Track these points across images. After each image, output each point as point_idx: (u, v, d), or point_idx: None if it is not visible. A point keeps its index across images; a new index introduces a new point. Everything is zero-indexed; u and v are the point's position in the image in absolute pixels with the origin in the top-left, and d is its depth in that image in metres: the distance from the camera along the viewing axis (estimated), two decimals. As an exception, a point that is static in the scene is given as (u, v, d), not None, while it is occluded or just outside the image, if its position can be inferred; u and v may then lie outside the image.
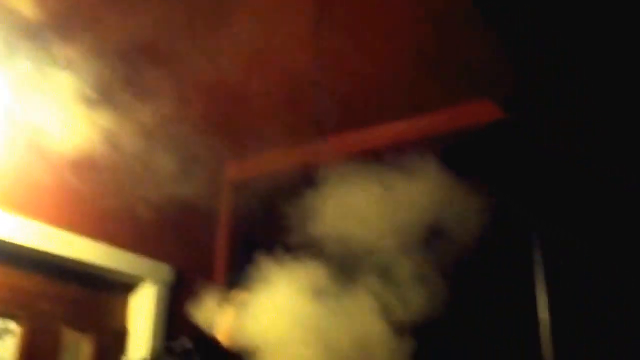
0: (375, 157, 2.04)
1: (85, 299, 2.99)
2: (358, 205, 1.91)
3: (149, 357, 2.22)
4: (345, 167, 1.94)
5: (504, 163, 2.92)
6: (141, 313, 3.11)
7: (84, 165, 2.83)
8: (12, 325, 2.70)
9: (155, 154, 2.69)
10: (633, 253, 2.74)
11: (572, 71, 2.62)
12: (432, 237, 2.04)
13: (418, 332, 1.84)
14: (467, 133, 2.98)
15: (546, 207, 2.84)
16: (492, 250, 2.88)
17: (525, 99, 2.83)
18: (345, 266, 1.84)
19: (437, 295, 1.95)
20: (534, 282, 2.81)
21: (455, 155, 2.66)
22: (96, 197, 2.93)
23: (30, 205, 2.71)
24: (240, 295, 2.01)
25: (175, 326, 3.11)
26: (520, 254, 2.85)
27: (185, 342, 2.10)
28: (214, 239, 3.48)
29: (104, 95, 2.50)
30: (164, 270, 3.19)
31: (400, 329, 1.78)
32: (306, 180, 1.99)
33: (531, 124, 2.85)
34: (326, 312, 1.74)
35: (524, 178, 2.88)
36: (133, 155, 2.77)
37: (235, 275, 2.18)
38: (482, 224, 2.21)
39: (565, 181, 2.85)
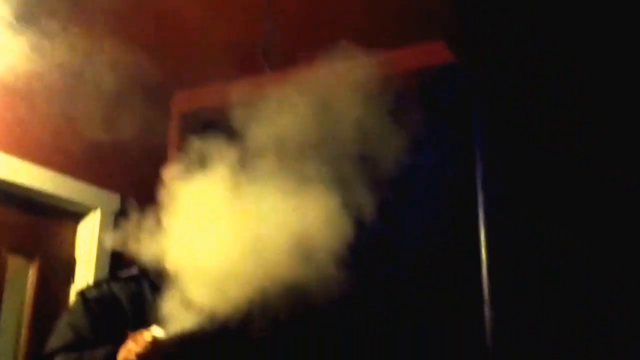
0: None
1: (31, 226, 2.97)
2: (300, 127, 1.93)
3: (95, 283, 2.22)
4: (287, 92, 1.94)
5: (453, 103, 2.96)
6: (89, 241, 3.11)
7: (28, 91, 2.77)
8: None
9: (101, 82, 2.65)
10: (575, 195, 2.82)
11: (524, 14, 2.64)
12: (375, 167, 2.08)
13: (355, 253, 1.89)
14: (418, 74, 3.00)
15: (491, 149, 2.90)
16: (435, 187, 2.94)
17: (477, 42, 2.84)
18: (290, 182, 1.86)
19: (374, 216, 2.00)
20: (477, 219, 2.88)
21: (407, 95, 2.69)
22: (42, 123, 2.88)
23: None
24: (186, 221, 2.02)
25: (123, 255, 3.13)
26: (464, 194, 2.92)
27: (132, 269, 2.12)
28: (163, 168, 3.46)
29: (42, 15, 2.42)
30: (112, 199, 3.19)
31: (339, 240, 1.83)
32: (251, 109, 1.99)
33: (482, 68, 2.88)
34: (265, 220, 1.77)
35: (471, 119, 2.92)
36: (79, 81, 2.72)
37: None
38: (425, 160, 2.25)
39: (513, 123, 2.90)
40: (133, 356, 1.74)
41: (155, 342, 1.76)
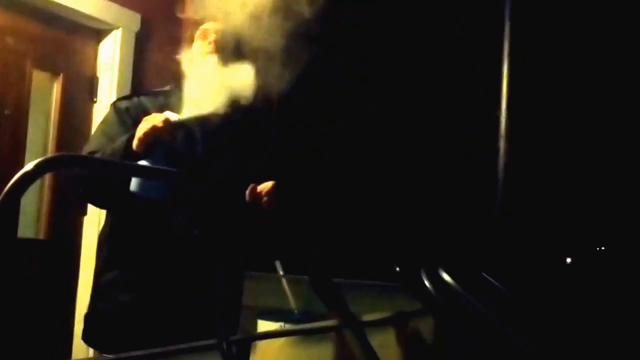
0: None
1: (55, 42, 2.99)
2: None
3: (127, 95, 2.25)
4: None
5: None
6: (110, 60, 3.13)
7: None
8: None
9: None
10: (602, 34, 2.77)
11: None
12: None
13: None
14: None
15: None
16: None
17: None
18: None
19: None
20: (502, 50, 2.85)
21: None
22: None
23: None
24: (206, 46, 2.02)
25: (144, 73, 3.16)
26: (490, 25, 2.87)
27: (166, 86, 2.15)
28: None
29: None
30: (133, 18, 3.17)
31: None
32: None
33: None
34: None
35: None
36: None
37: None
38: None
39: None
40: (146, 133, 1.79)
41: (167, 121, 1.82)
